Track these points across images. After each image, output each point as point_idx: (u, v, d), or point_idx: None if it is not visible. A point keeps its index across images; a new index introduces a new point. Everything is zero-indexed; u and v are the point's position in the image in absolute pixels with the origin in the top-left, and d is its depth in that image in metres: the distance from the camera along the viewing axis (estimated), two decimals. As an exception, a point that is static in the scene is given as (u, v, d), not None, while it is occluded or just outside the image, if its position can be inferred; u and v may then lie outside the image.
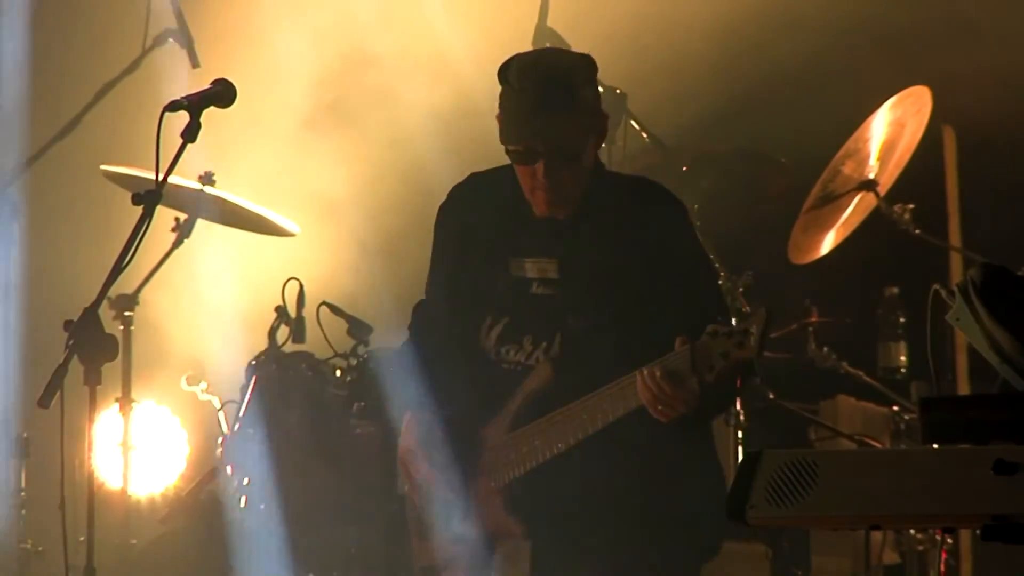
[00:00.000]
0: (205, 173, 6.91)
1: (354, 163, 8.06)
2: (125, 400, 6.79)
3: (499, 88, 4.90)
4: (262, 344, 6.82)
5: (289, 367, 6.74)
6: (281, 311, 6.77)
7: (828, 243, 6.81)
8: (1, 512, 6.96)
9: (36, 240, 7.69)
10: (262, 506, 6.63)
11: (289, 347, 6.79)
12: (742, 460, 3.45)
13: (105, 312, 4.63)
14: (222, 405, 6.93)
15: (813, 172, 6.71)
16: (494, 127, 4.91)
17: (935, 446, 3.48)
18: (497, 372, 4.94)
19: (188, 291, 7.93)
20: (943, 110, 6.76)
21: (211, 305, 8.07)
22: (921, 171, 6.93)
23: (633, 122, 7.07)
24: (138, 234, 4.46)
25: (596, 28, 5.92)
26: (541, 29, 6.90)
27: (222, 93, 4.65)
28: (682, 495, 4.84)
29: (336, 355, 6.77)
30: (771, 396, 7.11)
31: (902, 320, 7.41)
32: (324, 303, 6.74)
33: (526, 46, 6.62)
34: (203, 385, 7.02)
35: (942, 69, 7.03)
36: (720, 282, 6.30)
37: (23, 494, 7.10)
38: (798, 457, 3.40)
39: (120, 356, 6.02)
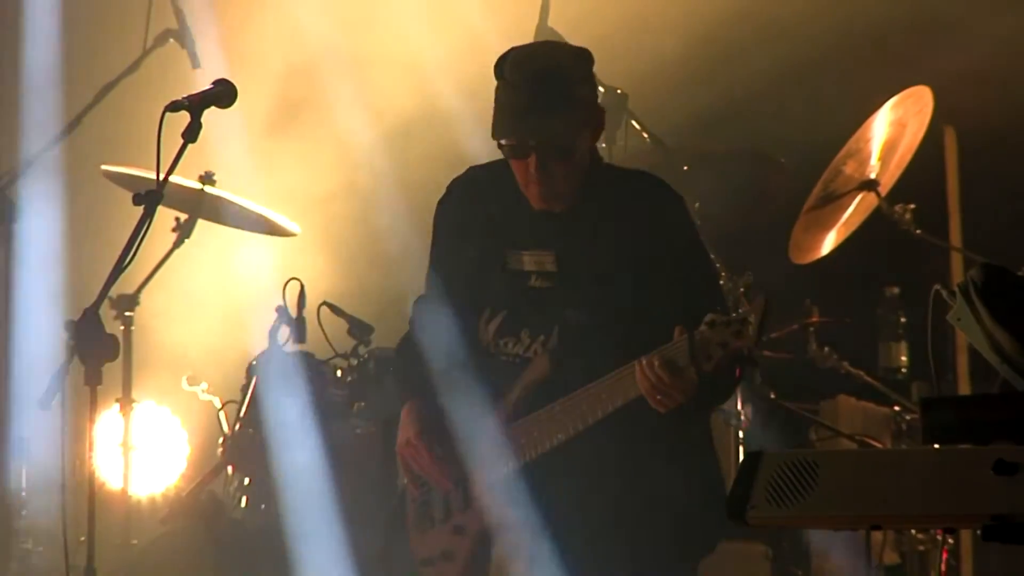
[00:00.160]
0: (205, 173, 6.92)
1: (354, 162, 8.06)
2: (125, 400, 6.80)
3: (502, 87, 4.92)
4: (262, 344, 6.81)
5: (289, 367, 6.74)
6: (281, 311, 6.77)
7: (829, 243, 6.81)
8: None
9: (36, 240, 7.69)
10: (262, 506, 6.63)
11: (289, 347, 6.79)
12: (742, 460, 3.45)
13: (105, 312, 4.63)
14: (222, 405, 6.93)
15: (813, 172, 6.71)
16: (496, 125, 4.92)
17: (935, 446, 3.48)
18: (496, 364, 4.95)
19: (189, 291, 7.93)
20: (944, 110, 6.76)
21: (211, 305, 8.07)
22: (922, 171, 6.92)
23: (633, 122, 7.07)
24: (138, 234, 4.46)
25: (597, 28, 5.92)
26: (542, 29, 6.90)
27: (223, 93, 4.65)
28: (680, 488, 4.85)
29: (336, 355, 6.78)
30: (771, 396, 7.12)
31: (902, 320, 7.41)
32: (324, 303, 6.75)
33: (527, 46, 6.61)
34: (203, 385, 7.02)
35: (942, 69, 7.03)
36: (720, 282, 6.30)
37: (23, 494, 7.10)
38: (798, 457, 3.40)
39: (120, 356, 6.01)
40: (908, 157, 6.73)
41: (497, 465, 4.93)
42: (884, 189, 6.70)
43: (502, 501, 4.93)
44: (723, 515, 4.83)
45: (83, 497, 4.48)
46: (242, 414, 6.72)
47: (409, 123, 7.91)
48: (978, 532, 3.37)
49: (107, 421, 7.00)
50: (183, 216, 6.94)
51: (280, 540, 6.50)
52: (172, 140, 4.51)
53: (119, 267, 4.47)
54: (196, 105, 4.58)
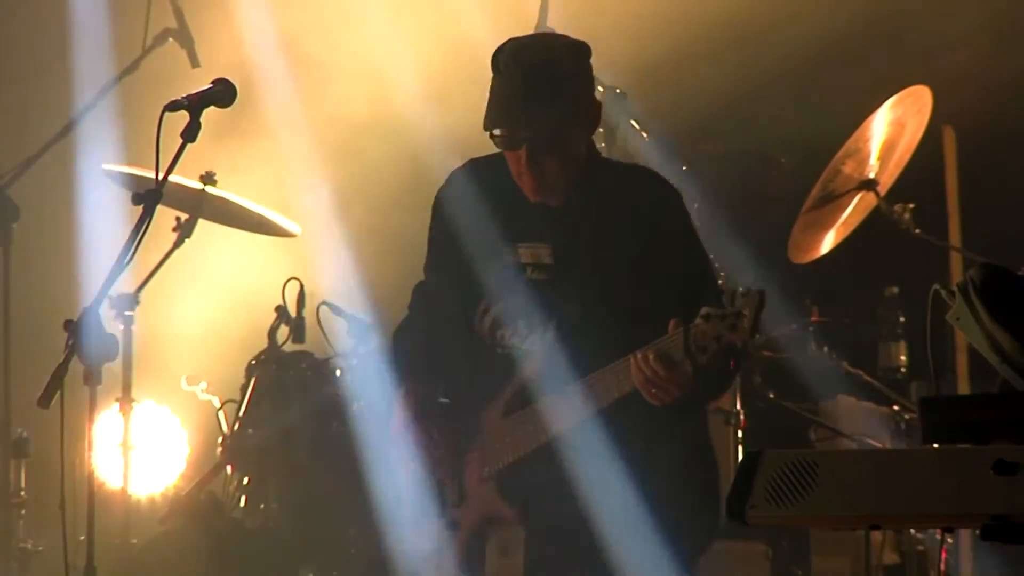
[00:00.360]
0: (206, 173, 6.92)
1: (353, 162, 8.06)
2: (125, 400, 6.79)
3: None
4: (262, 344, 6.82)
5: (289, 367, 6.75)
6: (281, 311, 6.77)
7: (828, 243, 6.81)
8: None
9: (36, 240, 7.69)
10: (262, 506, 6.63)
11: (289, 347, 6.79)
12: (742, 460, 3.45)
13: (105, 312, 4.62)
14: (222, 405, 6.93)
15: (813, 172, 6.71)
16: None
17: (935, 446, 3.48)
18: (492, 357, 4.96)
19: (188, 291, 7.93)
20: (943, 110, 6.76)
21: (211, 305, 8.07)
22: (921, 171, 6.92)
23: (633, 122, 7.07)
24: (138, 234, 4.46)
25: (596, 28, 5.91)
26: (541, 28, 6.90)
27: (222, 93, 4.65)
28: (677, 483, 4.85)
29: (336, 355, 6.78)
30: (771, 396, 7.12)
31: (902, 320, 7.41)
32: (324, 303, 6.75)
33: (526, 45, 6.61)
34: (203, 385, 7.02)
35: (942, 69, 7.03)
36: (720, 282, 6.30)
37: (23, 494, 7.10)
38: (798, 457, 3.40)
39: (120, 356, 6.02)
40: (907, 157, 6.72)
41: (492, 460, 4.93)
42: (883, 189, 6.70)
43: (497, 496, 4.93)
44: (718, 512, 4.89)
45: (83, 497, 4.48)
46: (242, 414, 6.73)
47: (409, 122, 7.91)
48: (978, 532, 3.37)
49: (107, 421, 7.00)
50: (183, 216, 6.94)
51: (279, 540, 6.50)
52: (172, 140, 4.51)
53: (118, 267, 4.47)
54: (195, 105, 4.58)
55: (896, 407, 7.22)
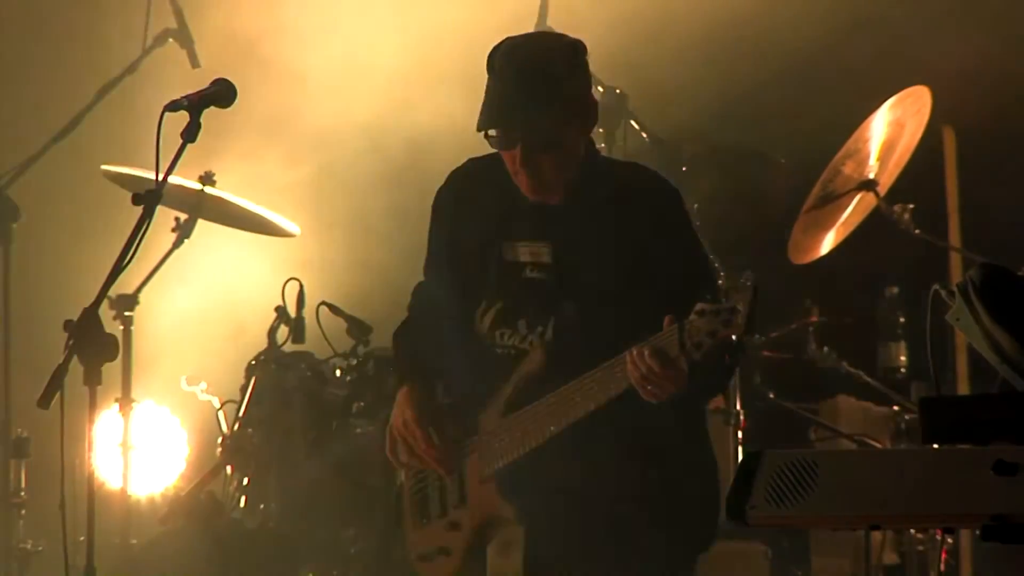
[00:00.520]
0: (205, 173, 6.92)
1: (354, 161, 8.06)
2: (125, 400, 6.80)
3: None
4: (262, 344, 6.82)
5: (289, 367, 6.75)
6: (281, 311, 6.77)
7: (828, 243, 6.81)
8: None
9: (36, 240, 7.69)
10: (262, 506, 6.63)
11: (289, 347, 6.79)
12: (742, 460, 3.45)
13: (105, 312, 4.62)
14: (222, 405, 6.94)
15: (813, 172, 6.71)
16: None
17: (935, 446, 3.48)
18: (492, 356, 4.96)
19: (188, 291, 7.93)
20: (943, 110, 6.76)
21: (211, 305, 8.07)
22: (921, 171, 6.92)
23: (633, 122, 7.07)
24: (138, 234, 4.46)
25: (596, 28, 5.93)
26: (541, 28, 6.91)
27: (222, 93, 4.65)
28: (677, 481, 4.85)
29: (336, 355, 6.78)
30: (771, 396, 7.12)
31: (902, 320, 7.41)
32: (324, 303, 6.75)
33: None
34: (203, 385, 7.02)
35: (942, 69, 7.03)
36: (720, 282, 6.30)
37: (23, 494, 7.10)
38: (798, 457, 3.40)
39: (120, 356, 6.02)
40: (907, 157, 6.72)
41: (492, 459, 4.93)
42: (883, 189, 6.70)
43: (497, 495, 4.93)
44: (718, 512, 4.89)
45: (83, 497, 4.48)
46: (241, 414, 6.73)
47: (409, 121, 7.91)
48: (977, 532, 3.37)
49: (106, 421, 7.00)
50: (183, 216, 6.94)
51: (279, 540, 6.50)
52: (172, 140, 4.51)
53: (118, 267, 4.47)
54: (195, 105, 4.58)
55: (896, 407, 7.22)
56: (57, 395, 4.32)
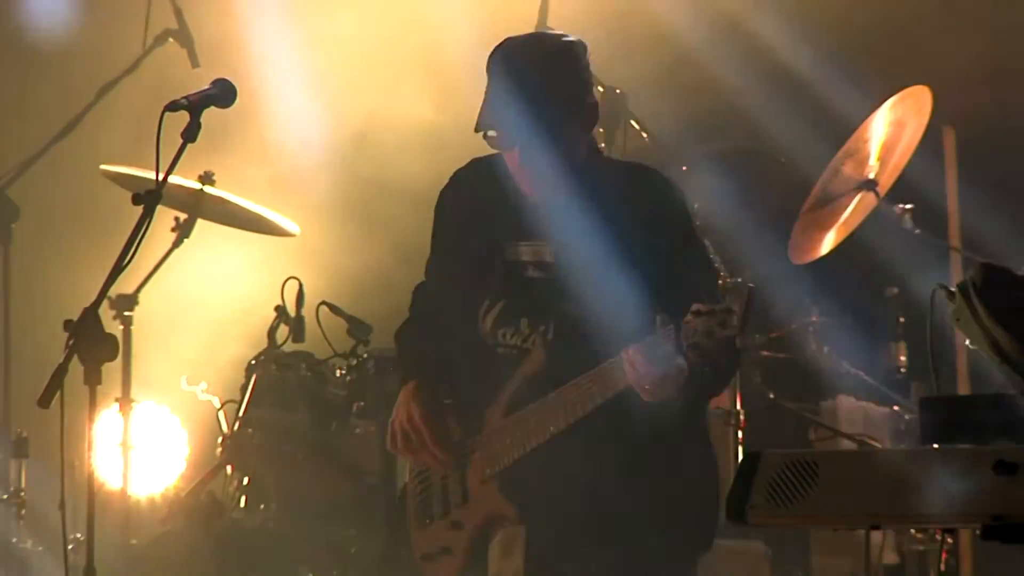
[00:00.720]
0: (205, 173, 6.92)
1: (354, 161, 8.06)
2: (125, 400, 6.79)
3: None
4: (262, 344, 6.82)
5: (289, 367, 6.75)
6: (281, 311, 6.77)
7: (828, 243, 6.81)
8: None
9: (36, 240, 7.69)
10: (262, 506, 6.63)
11: (289, 347, 6.79)
12: (742, 460, 3.46)
13: (105, 312, 4.62)
14: (222, 405, 6.93)
15: (813, 172, 6.71)
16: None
17: (935, 446, 3.48)
18: (494, 356, 4.96)
19: (188, 291, 7.93)
20: (943, 110, 6.76)
21: (211, 305, 8.07)
22: (921, 171, 6.92)
23: (633, 122, 7.07)
24: (138, 234, 4.46)
25: (596, 28, 5.92)
26: (541, 29, 6.90)
27: (222, 93, 4.65)
28: (678, 482, 4.85)
29: (336, 355, 6.78)
30: (771, 396, 7.12)
31: (902, 320, 7.41)
32: (323, 303, 6.74)
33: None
34: (203, 385, 7.02)
35: (942, 69, 7.03)
36: (721, 282, 6.30)
37: (23, 494, 7.10)
38: (798, 457, 3.40)
39: (120, 356, 6.02)
40: (907, 157, 6.72)
41: (493, 459, 4.93)
42: (883, 189, 6.70)
43: (498, 495, 4.94)
44: (718, 511, 4.89)
45: (82, 497, 4.48)
46: (241, 414, 6.73)
47: (409, 121, 7.91)
48: (977, 532, 3.37)
49: (106, 421, 7.00)
50: (182, 216, 6.94)
51: (279, 540, 6.50)
52: (172, 140, 4.51)
53: (118, 267, 4.47)
54: (195, 105, 4.58)
55: (896, 407, 7.22)
56: (57, 395, 4.32)
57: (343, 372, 6.78)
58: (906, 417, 7.16)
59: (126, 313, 6.89)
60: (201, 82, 4.68)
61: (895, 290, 7.42)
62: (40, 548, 7.04)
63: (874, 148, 6.67)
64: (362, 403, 6.71)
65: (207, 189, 6.92)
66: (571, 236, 4.91)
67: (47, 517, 6.10)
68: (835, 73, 7.61)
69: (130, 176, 6.85)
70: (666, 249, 4.85)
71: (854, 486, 3.35)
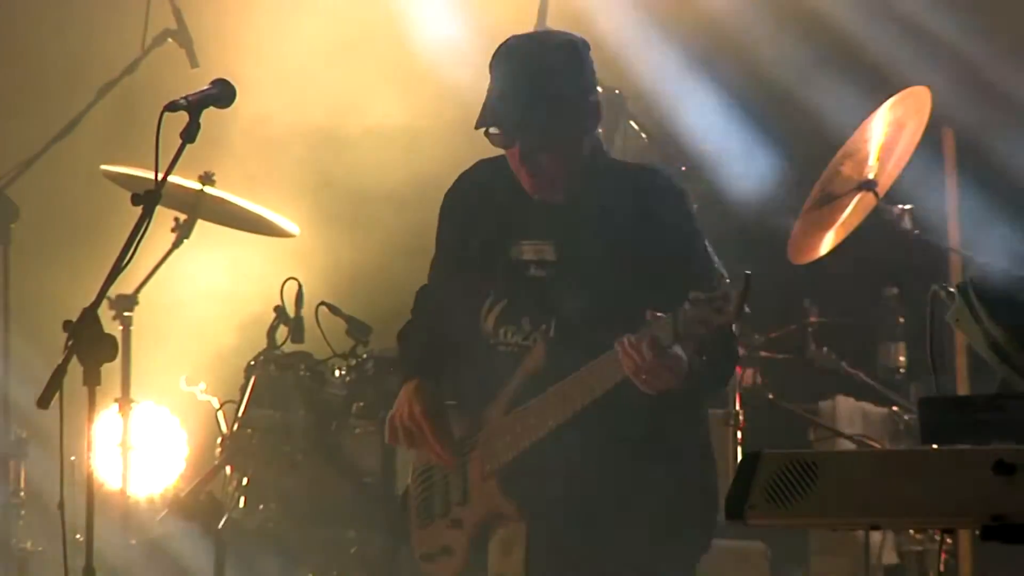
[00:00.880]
0: (204, 173, 6.92)
1: (354, 161, 8.06)
2: (124, 400, 6.79)
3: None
4: (261, 344, 6.81)
5: (288, 367, 6.74)
6: (280, 311, 6.77)
7: (828, 243, 6.81)
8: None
9: (36, 240, 7.69)
10: (262, 506, 6.63)
11: (288, 347, 6.79)
12: (742, 460, 3.45)
13: (104, 312, 4.63)
14: (221, 405, 6.93)
15: (813, 172, 6.71)
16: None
17: (935, 446, 3.48)
18: (495, 354, 4.96)
19: (188, 291, 7.93)
20: (943, 110, 6.76)
21: (210, 305, 8.07)
22: (921, 171, 6.92)
23: (632, 122, 7.07)
24: (137, 234, 4.46)
25: (595, 29, 5.93)
26: (540, 28, 6.90)
27: (221, 93, 4.65)
28: (677, 480, 4.86)
29: (335, 355, 6.77)
30: (771, 396, 7.12)
31: (901, 320, 7.41)
32: (323, 303, 6.74)
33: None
34: (202, 385, 7.02)
35: (942, 69, 7.03)
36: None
37: (22, 494, 7.10)
38: (798, 457, 3.40)
39: (119, 356, 6.02)
40: (906, 158, 6.72)
41: (494, 456, 4.94)
42: (882, 189, 6.70)
43: (498, 493, 4.94)
44: (717, 511, 4.89)
45: (82, 497, 4.48)
46: (241, 414, 6.72)
47: (409, 121, 7.91)
48: (977, 532, 3.37)
49: (106, 421, 7.00)
50: (182, 216, 6.94)
51: (279, 540, 6.50)
52: (172, 140, 4.51)
53: (118, 267, 4.47)
54: (195, 105, 4.58)
55: (895, 407, 7.23)
56: (57, 395, 4.32)
57: (342, 372, 6.78)
58: (905, 417, 7.16)
59: (126, 313, 6.89)
60: (201, 82, 4.68)
61: (895, 290, 7.41)
62: (40, 548, 7.05)
63: (874, 148, 6.67)
64: (361, 403, 6.71)
65: (207, 189, 6.92)
66: (574, 235, 4.91)
67: (47, 517, 6.10)
68: (835, 73, 7.61)
69: (130, 176, 6.85)
70: (668, 249, 4.85)
71: (853, 486, 3.35)
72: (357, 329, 6.79)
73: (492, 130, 4.88)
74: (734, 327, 4.74)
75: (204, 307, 8.06)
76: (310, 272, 7.04)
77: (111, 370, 4.62)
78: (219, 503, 6.59)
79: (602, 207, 4.90)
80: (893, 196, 6.75)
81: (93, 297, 4.43)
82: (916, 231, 6.74)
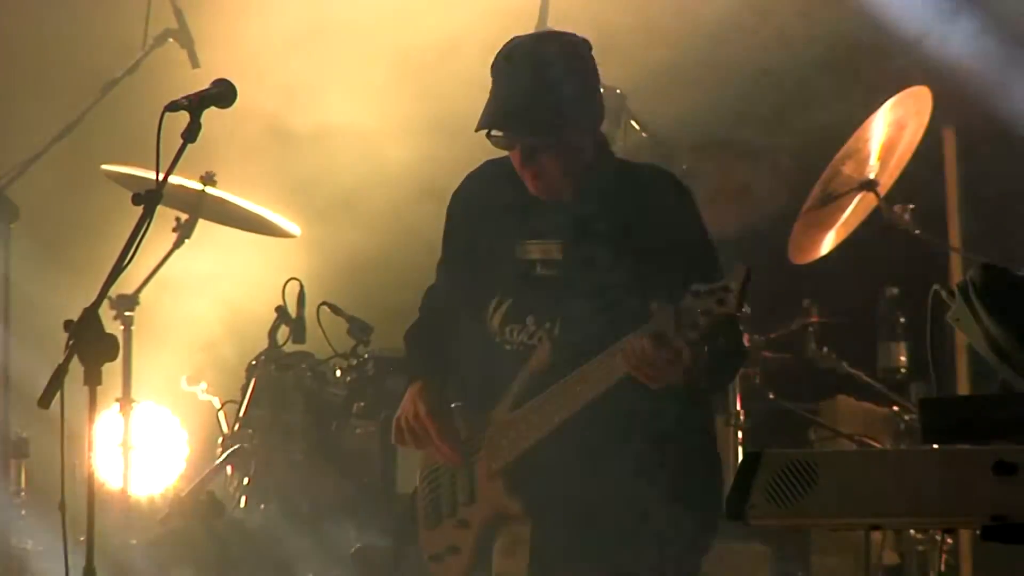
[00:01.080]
0: (206, 173, 6.92)
1: (354, 161, 8.06)
2: (125, 400, 6.80)
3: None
4: (262, 344, 6.82)
5: (289, 367, 6.75)
6: (281, 311, 6.77)
7: (828, 243, 6.82)
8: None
9: (36, 240, 7.69)
10: (262, 506, 6.63)
11: (289, 347, 6.79)
12: (742, 460, 3.45)
13: (105, 312, 4.62)
14: (222, 405, 6.94)
15: (813, 172, 6.71)
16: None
17: (935, 446, 3.48)
18: (501, 353, 4.97)
19: (188, 291, 7.93)
20: (943, 110, 6.76)
21: (211, 305, 8.07)
22: (921, 171, 6.92)
23: (633, 122, 7.07)
24: (138, 234, 4.46)
25: (595, 29, 5.92)
26: (540, 29, 6.90)
27: (222, 93, 4.65)
28: (683, 482, 4.86)
29: (336, 355, 6.78)
30: (771, 396, 7.12)
31: (902, 320, 7.40)
32: (324, 303, 6.74)
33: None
34: (203, 385, 7.02)
35: (942, 69, 7.02)
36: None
37: (23, 494, 7.10)
38: (798, 458, 3.40)
39: (120, 356, 6.02)
40: (907, 157, 6.72)
41: (499, 455, 4.94)
42: (883, 189, 6.70)
43: (504, 492, 4.94)
44: (720, 510, 4.89)
45: (83, 497, 4.48)
46: (242, 414, 6.73)
47: (408, 121, 7.91)
48: (977, 532, 3.37)
49: (107, 421, 7.00)
50: (183, 216, 6.94)
51: (279, 540, 6.50)
52: (172, 140, 4.51)
53: (118, 267, 4.47)
54: (195, 105, 4.58)
55: (896, 408, 7.22)
56: (57, 395, 4.32)
57: (343, 372, 6.78)
58: (906, 417, 7.16)
59: (127, 313, 6.89)
60: (201, 82, 4.68)
61: (895, 290, 7.41)
62: (40, 548, 7.05)
63: (874, 148, 6.67)
64: (362, 403, 6.71)
65: (208, 189, 6.92)
66: (580, 234, 4.92)
67: (47, 517, 6.10)
68: (835, 73, 7.61)
69: (130, 176, 6.85)
70: (673, 248, 4.85)
71: (854, 486, 3.35)
72: (358, 329, 6.80)
73: (494, 132, 4.89)
74: (739, 322, 4.73)
75: (205, 307, 8.06)
76: (311, 272, 7.05)
77: (112, 370, 4.62)
78: (219, 503, 6.60)
79: (607, 206, 4.91)
80: (893, 196, 6.75)
81: (94, 297, 4.43)
82: (917, 231, 6.74)
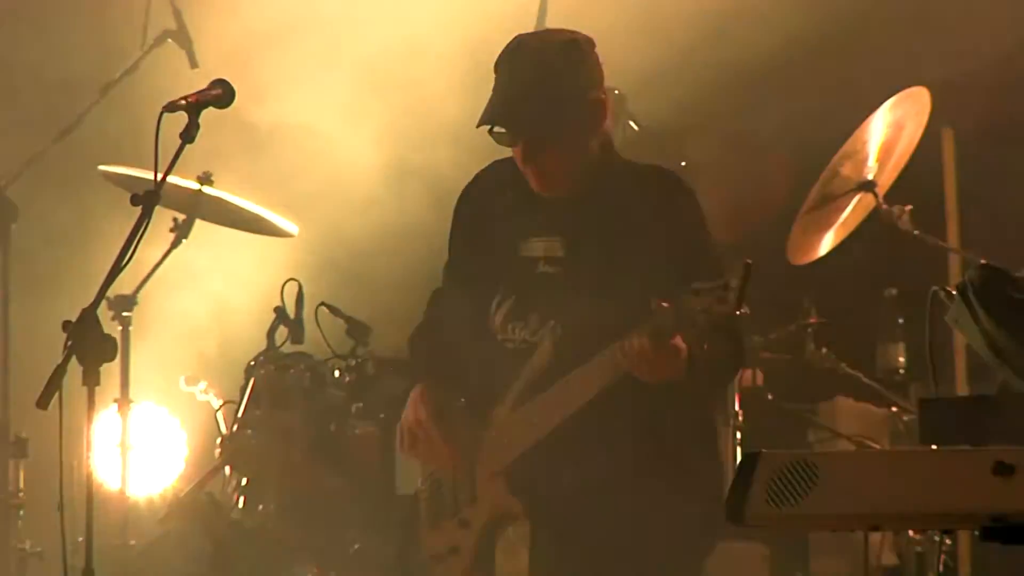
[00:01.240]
0: (204, 173, 6.92)
1: (354, 163, 8.06)
2: (124, 400, 6.79)
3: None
4: (261, 344, 6.81)
5: (288, 368, 6.74)
6: (280, 312, 6.77)
7: (827, 244, 6.81)
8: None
9: (36, 240, 7.69)
10: (260, 507, 6.63)
11: (288, 348, 6.79)
12: (741, 461, 3.45)
13: (104, 313, 4.62)
14: (221, 405, 6.93)
15: (813, 172, 6.71)
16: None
17: (934, 447, 3.48)
18: (503, 351, 4.97)
19: (187, 291, 7.93)
20: (942, 111, 6.75)
21: (209, 305, 8.07)
22: (920, 172, 6.92)
23: (632, 122, 7.07)
24: (136, 234, 4.46)
25: (595, 29, 5.92)
26: (540, 28, 6.90)
27: (221, 94, 4.65)
28: (684, 481, 4.86)
29: (335, 356, 6.77)
30: (770, 397, 7.12)
31: (901, 321, 7.40)
32: (323, 304, 6.74)
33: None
34: (202, 385, 7.02)
35: (942, 69, 7.02)
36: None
37: (21, 495, 7.10)
38: (798, 458, 3.40)
39: (118, 357, 6.02)
40: (906, 158, 6.72)
41: (501, 455, 4.94)
42: (882, 190, 6.70)
43: (506, 491, 4.94)
44: (720, 511, 4.89)
45: (81, 498, 4.48)
46: (240, 414, 6.72)
47: (409, 121, 7.91)
48: (977, 532, 3.37)
49: (105, 421, 7.00)
50: (181, 216, 6.94)
51: (278, 540, 6.50)
52: (171, 140, 4.51)
53: (117, 267, 4.47)
54: (194, 106, 4.58)
55: (895, 408, 7.22)
56: (56, 395, 4.32)
57: (342, 373, 6.78)
58: (905, 418, 7.15)
59: (125, 314, 6.89)
60: (200, 82, 4.68)
61: (894, 291, 7.41)
62: (39, 549, 7.04)
63: (873, 149, 6.67)
64: (361, 404, 6.71)
65: (206, 189, 6.92)
66: (583, 232, 4.92)
67: (46, 518, 6.10)
68: (834, 73, 7.61)
69: (129, 176, 6.85)
70: (676, 247, 4.86)
71: (853, 487, 3.35)
72: (357, 330, 6.80)
73: (496, 128, 4.89)
74: (739, 321, 4.74)
75: (203, 307, 8.06)
76: (310, 273, 7.05)
77: (110, 370, 4.62)
78: (219, 503, 6.59)
79: (611, 204, 4.92)
80: (892, 197, 6.74)
81: (92, 297, 4.43)
82: (916, 231, 6.74)
